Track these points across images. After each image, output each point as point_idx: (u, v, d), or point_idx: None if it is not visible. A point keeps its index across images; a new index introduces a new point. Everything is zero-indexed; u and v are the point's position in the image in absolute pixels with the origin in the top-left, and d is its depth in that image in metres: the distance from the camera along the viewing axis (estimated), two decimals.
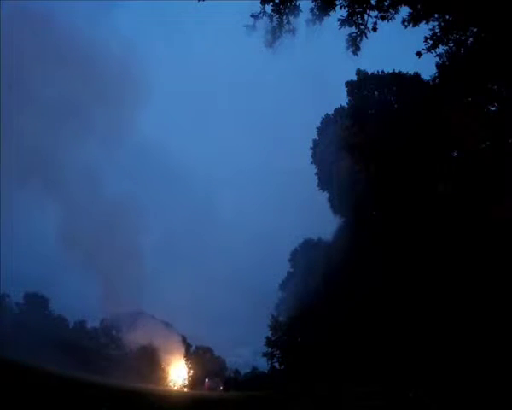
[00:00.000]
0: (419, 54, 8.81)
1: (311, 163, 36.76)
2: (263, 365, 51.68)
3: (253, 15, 7.87)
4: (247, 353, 55.91)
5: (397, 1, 7.74)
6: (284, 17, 7.89)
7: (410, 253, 25.08)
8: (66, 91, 45.64)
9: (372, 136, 30.17)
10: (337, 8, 7.74)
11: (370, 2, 7.68)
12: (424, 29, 8.86)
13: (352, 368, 27.83)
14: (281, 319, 45.36)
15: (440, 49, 9.46)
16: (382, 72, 33.91)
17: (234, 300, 53.68)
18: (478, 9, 8.47)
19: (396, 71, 33.32)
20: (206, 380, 50.08)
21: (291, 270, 43.97)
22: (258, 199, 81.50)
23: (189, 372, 49.99)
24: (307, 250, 42.32)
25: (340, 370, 29.47)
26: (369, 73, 34.16)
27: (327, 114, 36.02)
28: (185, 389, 45.34)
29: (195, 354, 54.36)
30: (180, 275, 55.86)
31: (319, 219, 40.80)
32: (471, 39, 9.94)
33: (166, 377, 46.36)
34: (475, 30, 9.64)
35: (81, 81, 46.66)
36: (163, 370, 46.33)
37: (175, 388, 44.88)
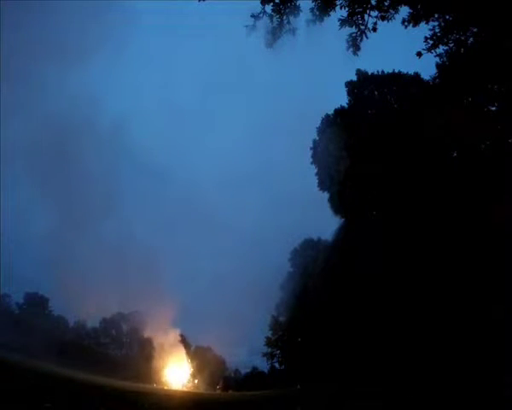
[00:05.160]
0: (419, 54, 8.81)
1: (311, 163, 36.73)
2: (260, 364, 51.83)
3: (253, 15, 7.86)
4: (243, 352, 55.93)
5: (397, 1, 7.74)
6: (284, 17, 7.89)
7: (411, 253, 25.07)
8: None
9: (372, 136, 30.16)
10: (337, 8, 7.75)
11: (370, 2, 7.68)
12: (424, 29, 8.87)
13: (352, 368, 27.83)
14: (281, 319, 45.41)
15: (440, 49, 9.46)
16: (382, 72, 33.91)
17: (231, 300, 53.74)
18: (478, 9, 8.48)
19: (396, 71, 33.32)
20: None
21: (291, 270, 43.98)
22: (258, 199, 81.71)
23: (189, 372, 49.99)
24: (307, 250, 42.37)
25: (340, 370, 29.47)
26: (369, 73, 34.17)
27: (327, 114, 35.97)
28: (186, 389, 45.31)
29: (196, 354, 54.34)
30: (179, 275, 55.99)
31: (319, 219, 40.88)
32: (471, 39, 9.94)
33: (166, 377, 46.37)
34: (475, 30, 9.65)
35: None
36: (163, 370, 46.34)
37: (175, 388, 44.86)
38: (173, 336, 49.19)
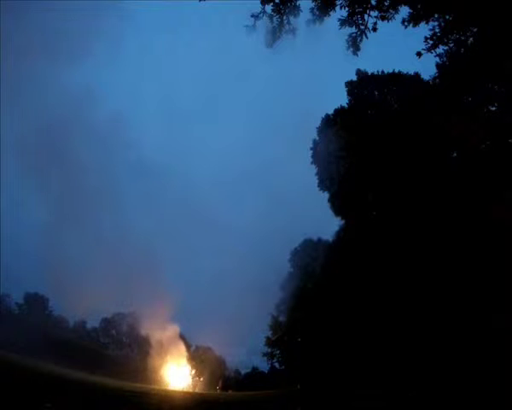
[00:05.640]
0: (419, 54, 8.83)
1: (311, 163, 36.73)
2: (260, 364, 51.87)
3: (253, 15, 7.87)
4: (243, 352, 55.97)
5: (397, 1, 7.75)
6: (284, 17, 7.89)
7: (411, 254, 25.07)
8: None
9: (372, 136, 30.15)
10: (337, 8, 7.76)
11: (370, 2, 7.69)
12: (424, 29, 8.88)
13: (352, 368, 27.83)
14: (281, 319, 45.43)
15: (440, 49, 9.48)
16: (382, 72, 33.90)
17: (231, 300, 53.81)
18: (478, 9, 8.48)
19: (396, 71, 33.32)
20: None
21: (291, 270, 43.99)
22: (258, 199, 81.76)
23: (189, 371, 49.92)
24: (307, 250, 42.35)
25: (340, 370, 29.47)
26: (369, 73, 34.16)
27: (327, 114, 35.97)
28: (186, 389, 45.27)
29: (196, 354, 54.34)
30: (179, 275, 56.00)
31: (319, 219, 40.91)
32: (471, 39, 9.95)
33: (166, 377, 46.32)
34: (475, 30, 9.65)
35: None
36: (163, 370, 46.30)
37: (175, 388, 44.83)
38: (173, 336, 49.15)
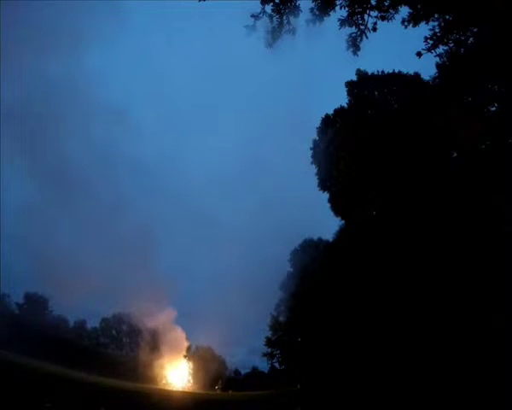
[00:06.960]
0: (419, 54, 8.84)
1: (311, 163, 36.73)
2: (260, 364, 51.89)
3: (253, 15, 7.86)
4: (243, 352, 55.97)
5: (397, 1, 7.75)
6: (284, 17, 7.89)
7: (411, 254, 25.05)
8: None
9: (372, 136, 30.13)
10: (337, 8, 7.76)
11: (370, 2, 7.69)
12: (424, 29, 8.89)
13: (352, 369, 27.83)
14: (281, 318, 45.43)
15: (440, 49, 9.49)
16: (382, 72, 33.87)
17: (231, 300, 53.81)
18: (478, 9, 8.48)
19: (396, 71, 33.30)
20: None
21: (291, 270, 44.00)
22: (258, 200, 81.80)
23: (189, 371, 49.96)
24: (307, 250, 42.36)
25: (340, 370, 29.47)
26: (369, 73, 34.14)
27: (327, 113, 35.95)
28: (186, 389, 45.28)
29: (195, 354, 54.34)
30: (179, 275, 56.03)
31: (319, 219, 40.96)
32: (471, 39, 9.96)
33: (167, 377, 46.35)
34: (475, 30, 9.66)
35: None
36: (163, 370, 46.31)
37: (175, 388, 44.85)
38: (173, 336, 49.17)
